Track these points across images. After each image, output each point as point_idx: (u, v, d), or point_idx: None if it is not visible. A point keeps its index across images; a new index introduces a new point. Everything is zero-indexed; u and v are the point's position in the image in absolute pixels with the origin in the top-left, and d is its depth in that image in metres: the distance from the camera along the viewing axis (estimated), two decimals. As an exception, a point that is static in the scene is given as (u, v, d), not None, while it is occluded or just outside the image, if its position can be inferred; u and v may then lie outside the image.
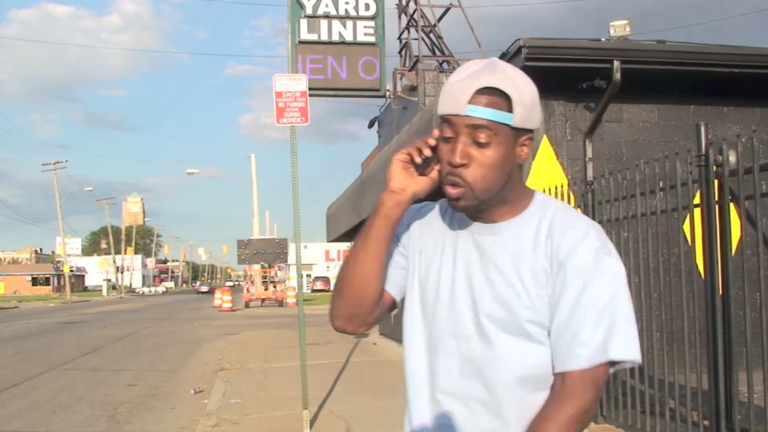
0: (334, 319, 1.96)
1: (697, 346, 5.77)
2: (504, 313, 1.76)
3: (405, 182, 1.83)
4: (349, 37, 15.45)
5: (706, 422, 5.78)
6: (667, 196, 6.23)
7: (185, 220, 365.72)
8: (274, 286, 47.04)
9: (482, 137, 1.71)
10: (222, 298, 41.33)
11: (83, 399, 10.94)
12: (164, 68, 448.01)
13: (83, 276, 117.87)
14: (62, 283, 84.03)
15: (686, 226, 6.07)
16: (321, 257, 78.34)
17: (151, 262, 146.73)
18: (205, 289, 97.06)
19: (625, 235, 6.92)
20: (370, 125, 22.72)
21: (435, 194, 1.92)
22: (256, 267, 46.06)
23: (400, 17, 20.33)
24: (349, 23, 15.39)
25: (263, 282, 47.75)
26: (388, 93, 18.92)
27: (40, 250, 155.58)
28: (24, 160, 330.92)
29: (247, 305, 43.14)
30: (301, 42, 15.16)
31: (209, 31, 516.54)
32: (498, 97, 1.70)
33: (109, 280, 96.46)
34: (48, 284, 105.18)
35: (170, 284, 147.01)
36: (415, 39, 19.69)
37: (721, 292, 5.61)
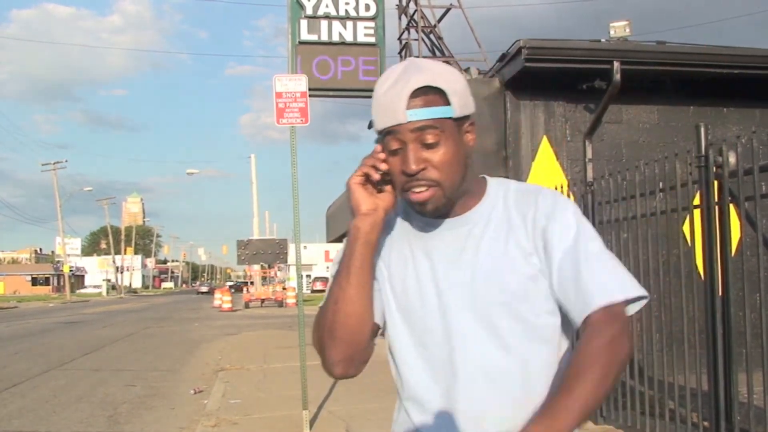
0: (333, 367, 1.82)
1: (696, 347, 5.78)
2: (506, 296, 1.73)
3: (373, 202, 1.76)
4: (349, 38, 15.43)
5: (705, 423, 5.79)
6: (667, 197, 6.23)
7: (185, 220, 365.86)
8: (283, 288, 46.79)
9: (430, 138, 1.68)
10: (222, 299, 41.29)
11: (83, 399, 10.94)
12: (165, 68, 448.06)
13: (83, 276, 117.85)
14: (62, 283, 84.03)
15: (686, 227, 6.08)
16: (321, 258, 78.24)
17: (150, 262, 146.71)
18: (204, 289, 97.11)
19: (624, 236, 6.92)
20: (370, 126, 22.69)
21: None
22: (256, 267, 46.07)
23: (400, 18, 20.32)
24: (350, 24, 15.37)
25: (263, 283, 47.86)
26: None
27: (40, 250, 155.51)
28: (24, 159, 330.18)
29: (246, 305, 43.13)
30: (302, 42, 15.13)
31: (210, 32, 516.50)
32: (432, 94, 1.68)
33: (108, 280, 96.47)
34: (48, 284, 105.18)
35: (170, 285, 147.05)
36: (415, 40, 19.67)
37: (720, 293, 5.61)
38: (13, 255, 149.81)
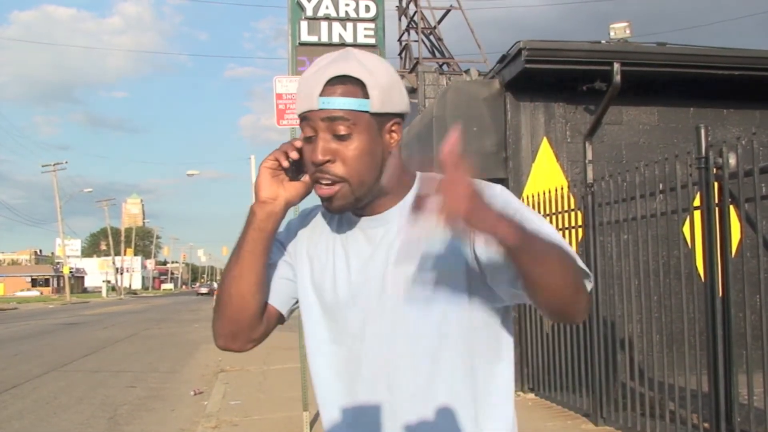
0: (216, 338, 1.89)
1: (697, 348, 5.78)
2: (414, 286, 1.65)
3: (275, 191, 1.73)
4: (349, 39, 15.36)
5: (706, 424, 5.79)
6: (667, 199, 6.23)
7: (185, 221, 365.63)
8: None
9: (341, 129, 1.61)
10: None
11: (83, 400, 10.94)
12: (165, 70, 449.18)
13: (83, 277, 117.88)
14: (62, 285, 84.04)
15: (686, 229, 6.08)
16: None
17: (150, 263, 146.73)
18: (204, 290, 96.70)
19: (625, 238, 6.93)
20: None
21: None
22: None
23: (400, 19, 20.36)
24: (350, 25, 15.31)
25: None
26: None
27: (40, 251, 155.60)
28: (24, 161, 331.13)
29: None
30: (302, 44, 15.10)
31: (210, 33, 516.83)
32: (351, 84, 1.61)
33: (108, 282, 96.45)
34: (48, 285, 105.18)
35: (170, 286, 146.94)
36: (415, 41, 19.71)
37: (721, 295, 5.62)
38: (12, 256, 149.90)
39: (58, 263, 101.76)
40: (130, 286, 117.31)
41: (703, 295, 5.79)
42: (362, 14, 15.52)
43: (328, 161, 1.63)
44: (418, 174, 1.78)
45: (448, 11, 20.43)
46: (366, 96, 1.62)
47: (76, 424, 9.27)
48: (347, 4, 15.45)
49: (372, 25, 15.64)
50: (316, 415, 8.66)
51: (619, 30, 9.84)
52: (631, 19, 10.32)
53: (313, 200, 1.83)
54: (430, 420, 1.67)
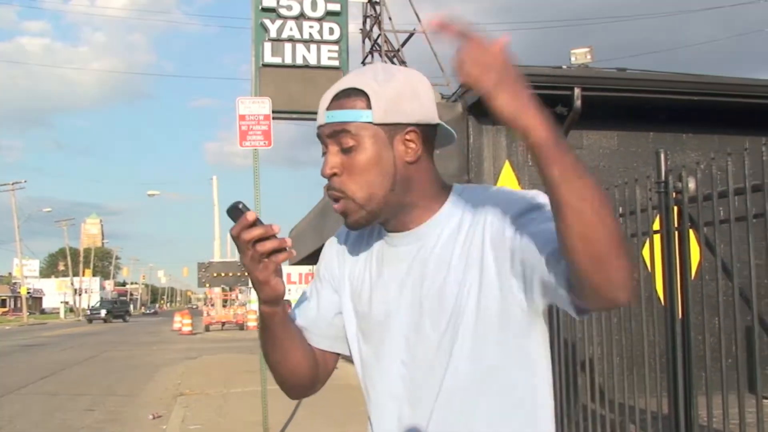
0: (288, 394, 1.93)
1: (657, 371, 5.82)
2: (446, 315, 1.62)
3: (273, 288, 1.64)
4: (313, 61, 15.42)
5: (666, 447, 5.81)
6: (627, 222, 6.28)
7: (146, 242, 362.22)
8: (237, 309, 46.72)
9: (345, 142, 1.60)
10: (182, 321, 40.47)
11: (39, 425, 10.74)
12: (132, 97, 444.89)
13: (41, 298, 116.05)
14: (19, 306, 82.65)
15: (646, 252, 6.13)
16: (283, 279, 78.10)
17: (109, 284, 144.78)
18: (150, 311, 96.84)
19: (586, 260, 6.95)
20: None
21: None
22: (217, 290, 45.65)
23: (363, 42, 20.42)
24: (314, 47, 15.37)
25: (223, 305, 47.58)
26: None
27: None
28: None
29: (207, 329, 42.65)
30: (265, 65, 15.11)
31: (176, 63, 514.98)
32: (354, 97, 1.61)
33: (66, 303, 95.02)
34: (5, 306, 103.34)
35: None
36: (379, 63, 19.80)
37: (680, 317, 5.65)
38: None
39: (15, 283, 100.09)
40: (88, 307, 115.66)
41: (662, 317, 5.83)
42: (326, 36, 15.60)
43: (334, 174, 1.63)
44: (454, 185, 1.76)
45: (411, 35, 20.53)
46: (369, 107, 1.60)
47: (31, 448, 9.10)
48: (311, 26, 15.52)
49: (336, 48, 15.73)
50: (277, 439, 8.59)
51: (580, 55, 9.97)
52: (593, 44, 10.41)
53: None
54: None
